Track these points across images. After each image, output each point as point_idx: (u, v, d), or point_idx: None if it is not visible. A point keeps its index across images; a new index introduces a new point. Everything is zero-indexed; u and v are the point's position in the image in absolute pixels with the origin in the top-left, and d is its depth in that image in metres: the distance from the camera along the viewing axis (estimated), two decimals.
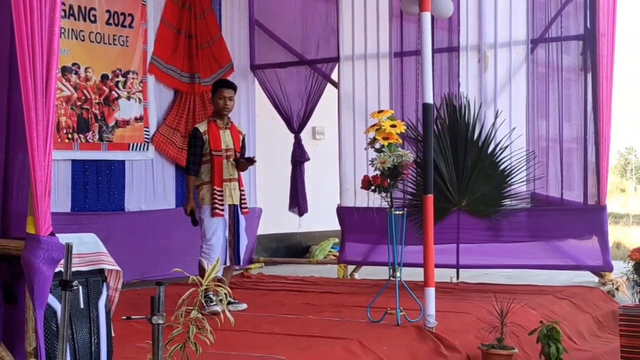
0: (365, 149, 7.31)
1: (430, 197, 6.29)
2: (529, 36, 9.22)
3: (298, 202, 10.72)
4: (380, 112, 6.58)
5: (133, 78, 9.39)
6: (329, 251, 13.12)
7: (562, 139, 9.14)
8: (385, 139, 6.36)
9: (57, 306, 3.90)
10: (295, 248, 13.53)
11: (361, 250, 9.95)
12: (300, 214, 10.80)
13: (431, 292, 6.21)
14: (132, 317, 4.09)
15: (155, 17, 9.71)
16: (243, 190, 7.41)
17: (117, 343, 4.46)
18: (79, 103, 8.82)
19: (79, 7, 8.77)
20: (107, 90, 9.11)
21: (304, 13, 10.66)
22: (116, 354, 4.40)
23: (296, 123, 10.74)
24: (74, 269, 3.82)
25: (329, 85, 10.57)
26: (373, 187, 6.46)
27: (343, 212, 10.11)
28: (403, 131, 6.44)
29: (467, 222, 9.06)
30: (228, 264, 7.29)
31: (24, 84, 3.75)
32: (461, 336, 6.31)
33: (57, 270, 3.84)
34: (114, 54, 9.19)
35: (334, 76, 10.45)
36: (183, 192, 9.86)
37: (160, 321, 3.80)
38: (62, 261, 3.77)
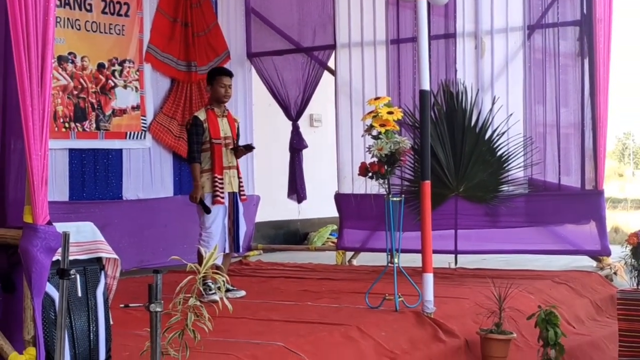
0: (363, 135, 7.31)
1: (427, 184, 6.29)
2: (526, 22, 9.21)
3: (297, 189, 10.73)
4: (377, 99, 6.59)
5: (129, 67, 9.38)
6: (327, 238, 13.14)
7: (560, 124, 9.14)
8: (382, 125, 6.37)
9: (55, 295, 3.91)
10: (293, 235, 13.54)
11: (359, 237, 9.96)
12: (299, 201, 10.82)
13: (429, 277, 6.22)
14: (130, 305, 4.10)
15: (151, 5, 9.69)
16: (241, 178, 7.43)
17: (116, 331, 4.46)
18: (75, 92, 8.81)
19: None
20: (103, 79, 9.10)
21: (300, 0, 10.64)
22: (115, 342, 4.41)
23: (294, 110, 10.73)
24: (71, 258, 3.82)
25: (326, 72, 10.56)
26: (370, 174, 6.47)
27: (341, 199, 10.11)
28: (400, 118, 6.44)
29: (464, 208, 9.08)
30: (227, 251, 7.31)
31: (19, 74, 3.74)
32: (459, 321, 6.33)
33: (55, 259, 3.85)
34: (110, 42, 9.18)
35: (331, 63, 10.44)
36: (181, 180, 9.89)
37: (158, 309, 3.81)
38: (60, 250, 3.78)
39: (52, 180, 8.31)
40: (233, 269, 8.91)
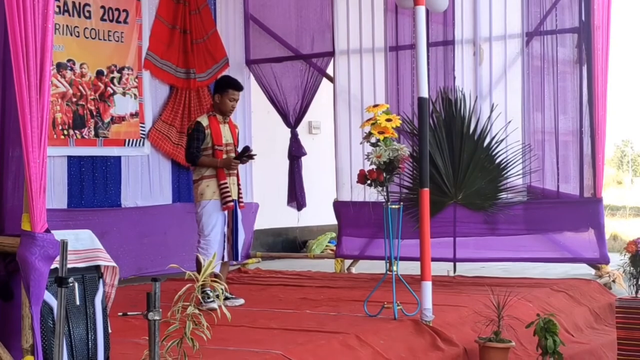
0: (361, 143, 7.30)
1: (426, 191, 6.29)
2: (524, 29, 9.22)
3: (296, 196, 10.72)
4: (375, 106, 6.58)
5: (128, 74, 9.38)
6: (326, 246, 13.12)
7: (558, 131, 9.14)
8: (380, 133, 6.36)
9: (54, 303, 3.90)
10: (292, 243, 13.53)
11: (358, 245, 9.95)
12: (299, 209, 10.81)
13: (428, 285, 6.22)
14: (128, 313, 4.09)
15: (150, 12, 9.69)
16: (240, 185, 7.41)
17: (114, 339, 4.45)
18: (74, 99, 8.81)
19: (74, 3, 8.74)
20: (102, 86, 9.10)
21: (299, 7, 10.64)
22: (113, 350, 4.39)
23: (292, 118, 10.73)
24: (70, 266, 3.81)
25: (324, 79, 10.57)
26: (369, 182, 6.47)
27: (339, 207, 10.10)
28: (399, 125, 6.44)
29: (463, 216, 9.08)
30: (226, 259, 7.30)
31: (17, 81, 3.74)
32: (458, 329, 6.32)
33: (53, 267, 3.84)
34: (109, 49, 9.18)
35: (330, 71, 10.45)
36: (180, 187, 9.89)
37: (157, 317, 3.81)
38: (58, 258, 3.77)
39: (51, 187, 8.29)
40: (232, 277, 8.91)
